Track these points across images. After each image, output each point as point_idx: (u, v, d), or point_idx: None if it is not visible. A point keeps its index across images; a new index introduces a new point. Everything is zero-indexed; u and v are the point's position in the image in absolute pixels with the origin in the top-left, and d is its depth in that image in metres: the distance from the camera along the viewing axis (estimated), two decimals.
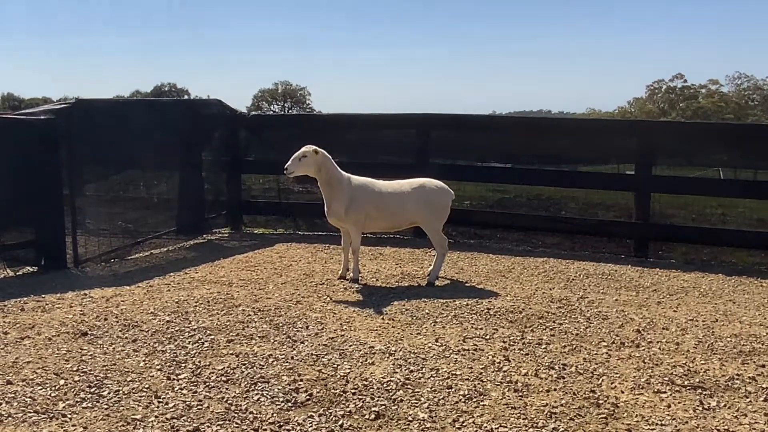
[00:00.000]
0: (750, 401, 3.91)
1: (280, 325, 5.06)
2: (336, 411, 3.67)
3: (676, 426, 3.57)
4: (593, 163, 10.45)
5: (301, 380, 4.05)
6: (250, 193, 10.06)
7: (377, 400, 3.80)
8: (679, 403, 3.86)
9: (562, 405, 3.79)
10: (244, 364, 4.27)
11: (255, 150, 10.08)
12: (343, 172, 6.50)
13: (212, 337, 4.76)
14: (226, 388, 3.92)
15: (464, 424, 3.55)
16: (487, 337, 4.91)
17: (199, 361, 4.31)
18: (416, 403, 3.78)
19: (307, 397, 3.83)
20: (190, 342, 4.66)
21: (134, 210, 8.28)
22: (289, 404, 3.75)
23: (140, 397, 3.79)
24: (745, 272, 7.33)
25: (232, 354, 4.45)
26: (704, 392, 4.02)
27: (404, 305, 5.65)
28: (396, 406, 3.74)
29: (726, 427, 3.56)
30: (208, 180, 9.42)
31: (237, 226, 9.49)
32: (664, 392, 4.01)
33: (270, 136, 10.01)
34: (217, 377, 4.07)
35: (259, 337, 4.80)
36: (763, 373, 4.33)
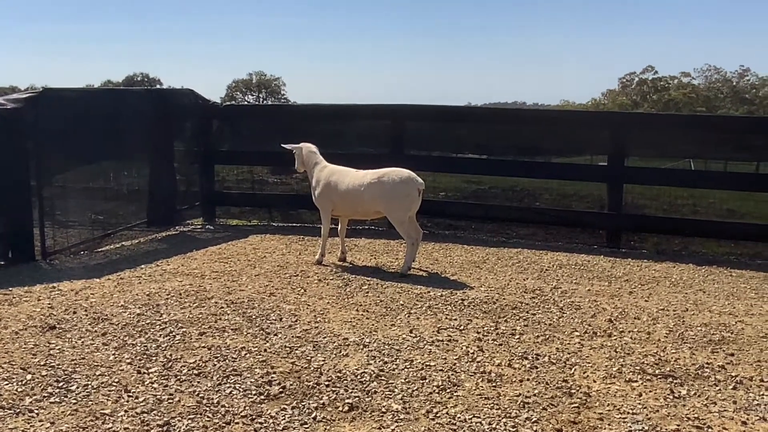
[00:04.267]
0: (719, 389, 3.97)
1: (254, 317, 5.01)
2: (309, 403, 3.65)
3: (647, 414, 3.60)
4: (567, 155, 10.53)
5: (275, 373, 4.01)
6: (223, 184, 9.94)
7: (351, 392, 3.78)
8: (650, 391, 3.90)
9: (535, 395, 3.81)
10: (217, 357, 4.22)
11: (228, 141, 9.97)
12: (322, 161, 6.98)
13: (184, 330, 4.70)
14: (198, 382, 3.87)
15: (438, 415, 3.55)
16: (461, 327, 4.91)
17: (171, 355, 4.25)
18: (390, 394, 3.77)
19: (281, 389, 3.80)
20: (161, 335, 4.59)
21: (104, 201, 8.14)
22: (262, 397, 3.71)
23: (109, 391, 3.73)
24: (715, 262, 7.43)
25: (204, 347, 4.40)
26: (675, 381, 4.06)
27: (379, 297, 5.63)
28: (370, 398, 3.72)
29: (696, 415, 3.61)
30: (180, 171, 9.28)
31: (210, 217, 9.38)
32: (636, 381, 4.05)
33: (244, 127, 9.90)
34: (189, 370, 4.02)
35: (232, 329, 4.75)
36: (732, 362, 4.40)
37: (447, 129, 9.40)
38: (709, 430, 3.47)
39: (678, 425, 3.49)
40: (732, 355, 4.52)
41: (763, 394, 3.90)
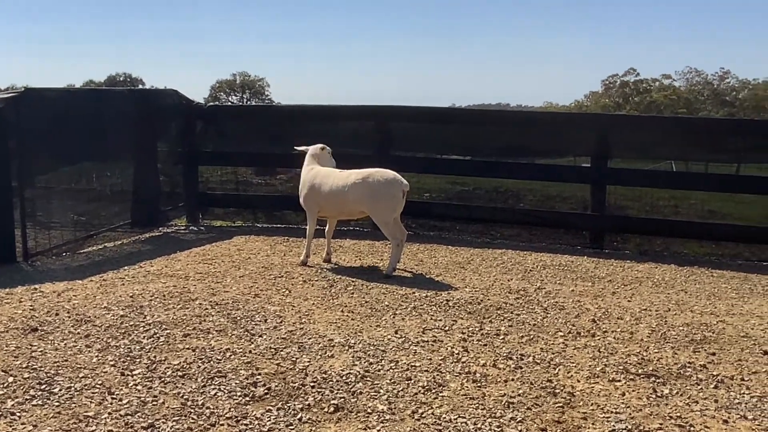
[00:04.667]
0: (701, 388, 4.01)
1: (238, 318, 4.99)
2: (295, 404, 3.64)
3: (630, 414, 3.64)
4: (550, 156, 10.59)
5: (259, 374, 4.00)
6: (207, 185, 9.90)
7: (336, 393, 3.78)
8: (633, 391, 3.94)
9: (519, 395, 3.83)
10: (201, 359, 4.20)
11: (212, 141, 9.92)
12: (312, 163, 6.96)
13: (168, 331, 4.67)
14: (182, 383, 3.85)
15: (423, 416, 3.56)
16: (446, 328, 4.93)
17: (155, 356, 4.23)
18: (375, 395, 3.78)
19: (266, 391, 3.79)
20: (144, 337, 4.56)
21: (87, 202, 8.07)
22: (247, 398, 3.70)
23: (93, 393, 3.70)
24: (696, 263, 7.51)
25: (188, 348, 4.37)
26: (657, 380, 4.10)
27: (364, 298, 5.64)
28: (355, 399, 3.72)
29: (678, 414, 3.65)
30: (164, 172, 9.23)
31: (194, 218, 9.32)
32: (619, 381, 4.08)
33: (228, 128, 9.86)
34: (173, 372, 4.00)
35: (217, 331, 4.73)
36: (714, 361, 4.45)
37: (432, 130, 9.43)
38: (691, 428, 3.50)
39: (660, 424, 3.53)
40: (713, 354, 4.57)
41: (743, 393, 3.95)
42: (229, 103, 54.91)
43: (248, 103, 58.21)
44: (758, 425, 3.56)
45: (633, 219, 8.77)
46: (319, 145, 7.08)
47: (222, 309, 5.20)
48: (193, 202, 9.39)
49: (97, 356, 4.22)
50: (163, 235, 8.43)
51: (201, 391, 3.77)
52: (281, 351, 4.37)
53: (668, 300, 5.89)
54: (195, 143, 9.47)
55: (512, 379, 4.05)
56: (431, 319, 5.14)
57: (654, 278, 6.69)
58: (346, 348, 4.46)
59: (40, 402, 3.59)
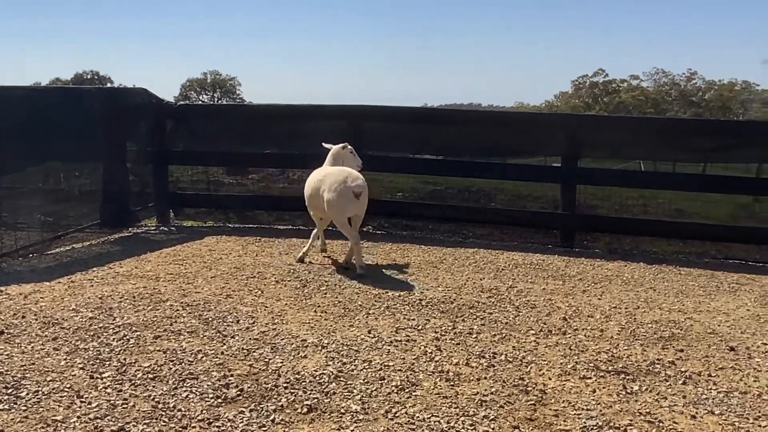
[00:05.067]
0: (669, 385, 4.08)
1: (210, 319, 4.95)
2: (268, 406, 3.62)
3: (600, 410, 3.69)
4: (522, 156, 10.68)
5: (232, 375, 3.97)
6: (178, 184, 9.79)
7: (309, 394, 3.77)
8: (603, 388, 3.99)
9: (492, 393, 3.86)
10: (172, 361, 4.15)
11: (183, 141, 9.81)
12: (331, 162, 7.06)
13: (138, 333, 4.61)
14: (153, 386, 3.80)
15: (396, 415, 3.57)
16: (419, 327, 4.94)
17: (124, 359, 4.17)
18: (349, 395, 3.77)
19: (238, 392, 3.76)
20: (114, 339, 4.50)
21: (55, 202, 7.92)
22: (219, 400, 3.67)
23: (61, 397, 3.64)
24: (664, 261, 7.63)
25: (159, 350, 4.32)
26: (627, 377, 4.17)
27: (337, 297, 5.63)
28: (329, 399, 3.72)
29: (647, 410, 3.71)
30: (133, 171, 9.09)
31: (164, 218, 9.20)
32: (590, 378, 4.13)
33: (198, 127, 9.75)
34: (144, 375, 3.94)
35: (188, 332, 4.68)
36: (682, 358, 4.53)
37: (405, 130, 9.44)
38: (660, 424, 3.56)
39: (630, 420, 3.58)
40: (681, 351, 4.65)
41: (710, 389, 4.03)
42: (200, 102, 54.34)
43: (219, 102, 57.68)
44: (725, 420, 3.64)
45: (603, 218, 8.89)
46: (340, 144, 7.11)
47: (193, 310, 5.15)
48: (163, 202, 9.27)
49: (65, 359, 4.15)
50: (133, 236, 8.31)
51: (172, 393, 3.72)
52: (254, 352, 4.34)
53: (637, 298, 5.98)
54: (165, 142, 9.34)
55: (485, 378, 4.08)
56: (404, 318, 5.15)
57: (623, 276, 6.78)
58: (320, 348, 4.45)
59: (6, 406, 3.52)
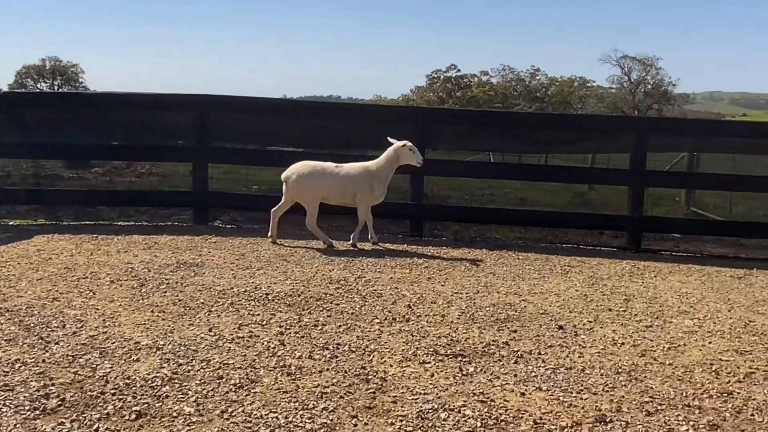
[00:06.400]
0: (503, 365, 4.26)
1: (32, 325, 4.54)
2: (92, 414, 3.37)
3: (437, 393, 3.77)
4: (381, 148, 10.82)
5: (53, 384, 3.66)
6: (8, 180, 8.97)
7: (140, 399, 3.55)
8: (441, 371, 4.10)
9: (333, 384, 3.84)
10: None
11: (13, 132, 8.98)
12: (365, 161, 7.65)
13: None
14: None
15: (233, 414, 3.45)
16: (264, 322, 4.83)
17: None
18: (183, 397, 3.60)
19: (59, 402, 3.47)
20: None
21: None
22: (37, 412, 3.37)
23: None
24: (505, 246, 8.01)
25: None
26: (464, 359, 4.30)
27: (177, 296, 5.37)
28: (160, 403, 3.52)
29: (481, 390, 3.84)
30: None
31: None
32: (429, 362, 4.23)
33: (31, 116, 8.98)
34: None
35: (5, 340, 4.27)
36: (515, 338, 4.76)
37: (261, 121, 9.23)
38: (492, 403, 3.70)
39: (464, 401, 3.70)
40: (515, 331, 4.88)
41: (539, 366, 4.26)
42: (38, 90, 50.32)
43: (60, 90, 53.66)
44: (551, 395, 3.85)
45: (450, 207, 9.21)
46: (401, 142, 7.38)
47: (13, 316, 4.71)
48: None
49: None
50: None
51: None
52: (79, 358, 4.04)
53: (478, 282, 6.22)
54: None
55: (327, 369, 4.05)
56: (249, 314, 5.02)
57: (466, 263, 7.04)
58: (154, 350, 4.21)
59: None
